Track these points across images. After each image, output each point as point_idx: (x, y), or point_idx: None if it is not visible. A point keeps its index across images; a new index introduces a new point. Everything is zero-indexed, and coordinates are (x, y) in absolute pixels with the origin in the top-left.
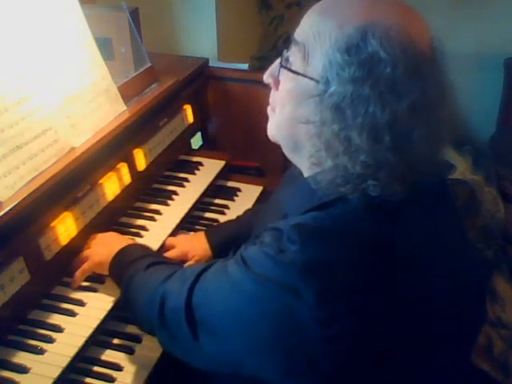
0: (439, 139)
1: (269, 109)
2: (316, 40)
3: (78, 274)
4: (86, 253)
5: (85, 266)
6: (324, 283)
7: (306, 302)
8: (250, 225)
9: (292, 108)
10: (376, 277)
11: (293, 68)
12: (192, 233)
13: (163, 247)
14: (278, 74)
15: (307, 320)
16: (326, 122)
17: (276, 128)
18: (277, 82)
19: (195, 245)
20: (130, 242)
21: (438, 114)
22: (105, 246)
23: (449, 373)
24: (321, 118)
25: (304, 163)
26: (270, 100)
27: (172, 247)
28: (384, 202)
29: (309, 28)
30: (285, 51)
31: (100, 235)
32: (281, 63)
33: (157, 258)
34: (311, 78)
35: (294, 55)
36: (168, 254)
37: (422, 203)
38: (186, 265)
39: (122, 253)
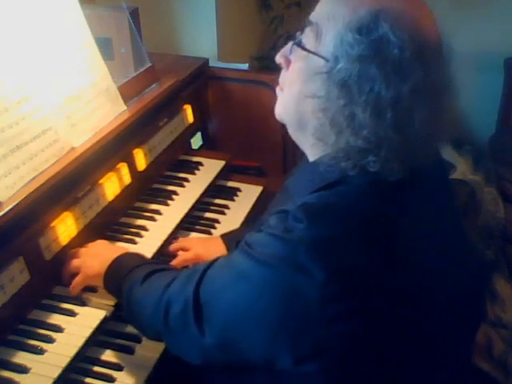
0: (439, 126)
1: (277, 89)
2: (330, 21)
3: (72, 289)
4: (77, 263)
5: (77, 280)
6: (333, 260)
7: (315, 280)
8: None
9: (300, 85)
10: (381, 253)
11: (305, 47)
12: (203, 235)
13: (164, 247)
14: (290, 53)
15: (315, 299)
16: (332, 97)
17: (283, 106)
18: (288, 62)
19: (210, 249)
20: (121, 250)
21: (439, 101)
22: (95, 258)
23: (447, 370)
24: (327, 93)
25: (308, 140)
26: (280, 80)
27: (186, 249)
28: (385, 181)
29: (324, 10)
30: (298, 33)
31: (90, 245)
32: (294, 42)
33: (152, 265)
34: (321, 57)
35: (307, 36)
36: (182, 257)
37: (421, 187)
38: None
39: (115, 264)
